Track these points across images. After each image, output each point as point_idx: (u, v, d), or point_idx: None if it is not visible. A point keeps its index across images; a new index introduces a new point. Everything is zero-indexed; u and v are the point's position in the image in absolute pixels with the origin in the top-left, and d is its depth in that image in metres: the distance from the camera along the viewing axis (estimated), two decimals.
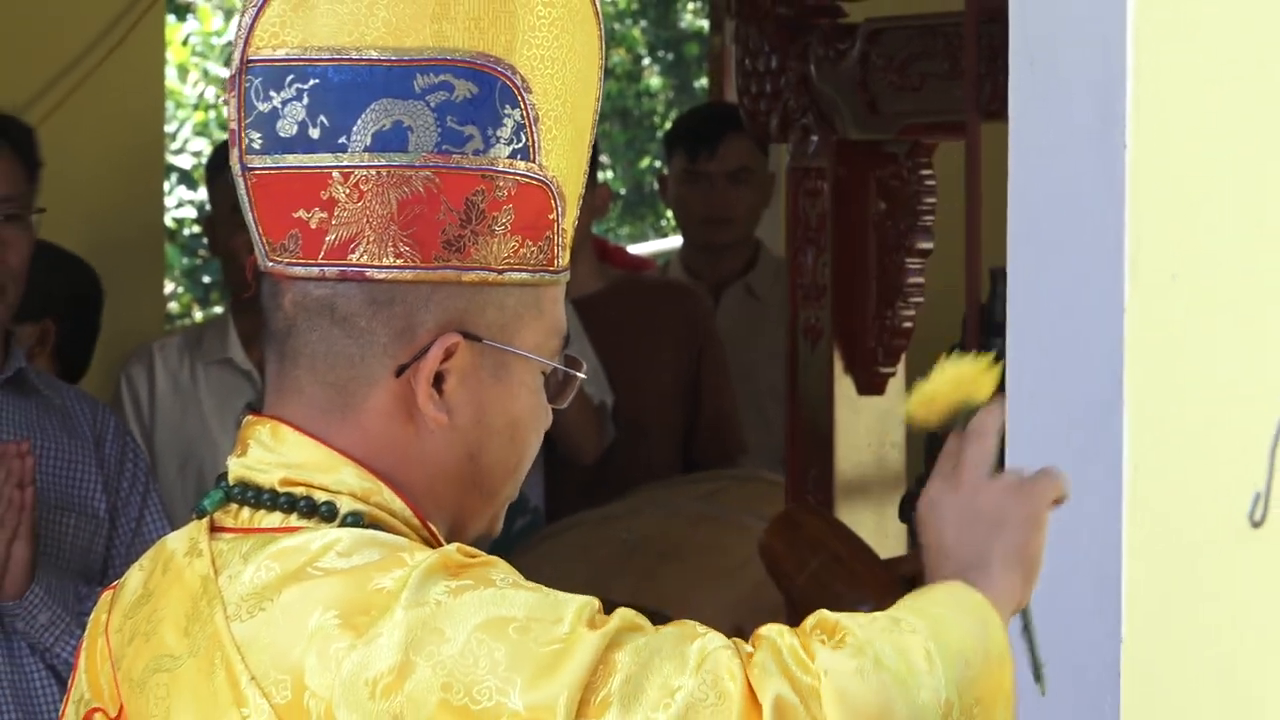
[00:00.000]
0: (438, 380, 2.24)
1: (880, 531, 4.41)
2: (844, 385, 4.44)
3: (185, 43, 15.01)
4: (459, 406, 2.26)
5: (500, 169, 2.23)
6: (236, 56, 2.24)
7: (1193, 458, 2.66)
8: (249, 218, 2.25)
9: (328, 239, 2.22)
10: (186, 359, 5.33)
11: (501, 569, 2.16)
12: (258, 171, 2.24)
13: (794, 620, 4.45)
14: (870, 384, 4.48)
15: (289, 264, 2.24)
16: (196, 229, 12.56)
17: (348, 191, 2.22)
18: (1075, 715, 2.72)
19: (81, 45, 6.22)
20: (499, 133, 2.23)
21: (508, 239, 2.24)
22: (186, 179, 13.17)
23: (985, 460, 2.35)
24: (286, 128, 2.23)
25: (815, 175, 4.63)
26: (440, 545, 2.23)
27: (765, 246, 6.90)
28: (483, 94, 2.23)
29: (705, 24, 13.53)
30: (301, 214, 2.23)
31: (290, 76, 2.23)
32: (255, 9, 2.23)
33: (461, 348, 2.24)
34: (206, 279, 13.21)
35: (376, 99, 2.21)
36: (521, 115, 2.24)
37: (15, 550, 4.03)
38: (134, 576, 2.33)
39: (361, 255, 2.22)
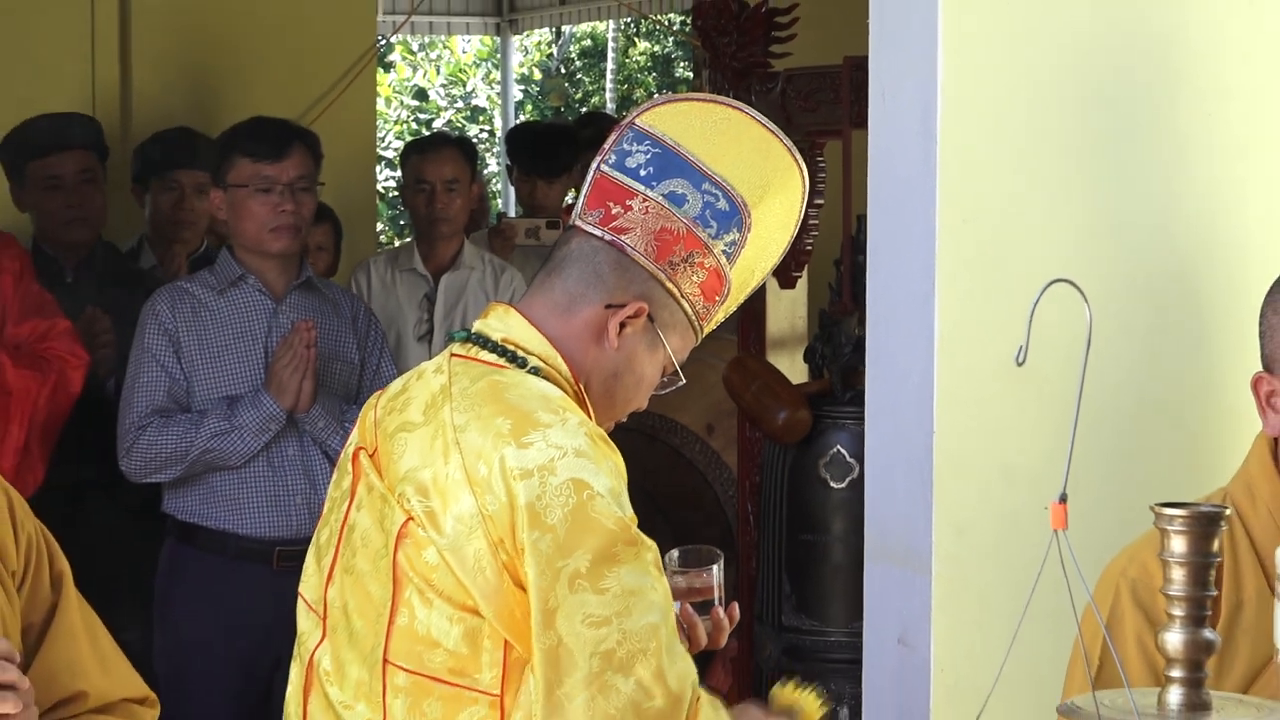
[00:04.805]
0: (621, 325, 2.25)
1: (793, 369, 4.38)
2: (771, 283, 4.40)
3: (389, 85, 14.94)
4: (624, 344, 2.27)
5: (714, 251, 2.28)
6: (631, 116, 2.32)
7: (980, 322, 2.64)
8: (583, 192, 2.31)
9: (615, 221, 2.26)
10: (389, 268, 5.29)
11: (617, 462, 2.19)
12: (603, 171, 2.29)
13: (742, 417, 4.42)
14: (787, 282, 4.44)
15: (588, 224, 2.28)
16: (395, 194, 12.53)
17: (641, 206, 2.26)
18: (906, 485, 2.70)
19: (327, 85, 6.18)
20: (725, 236, 2.29)
21: (694, 285, 2.28)
22: (390, 164, 13.11)
23: None
24: (631, 163, 2.28)
25: None
26: (586, 401, 2.26)
27: None
28: (730, 212, 2.29)
29: (691, 74, 13.48)
30: (610, 204, 2.27)
31: (648, 141, 2.29)
32: (652, 106, 2.33)
33: (643, 316, 2.26)
34: (401, 222, 13.20)
35: (681, 177, 2.28)
36: (737, 238, 2.30)
37: (305, 384, 4.04)
38: (394, 383, 2.34)
39: (627, 238, 2.25)
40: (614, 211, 2.26)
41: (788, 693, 2.34)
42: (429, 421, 2.18)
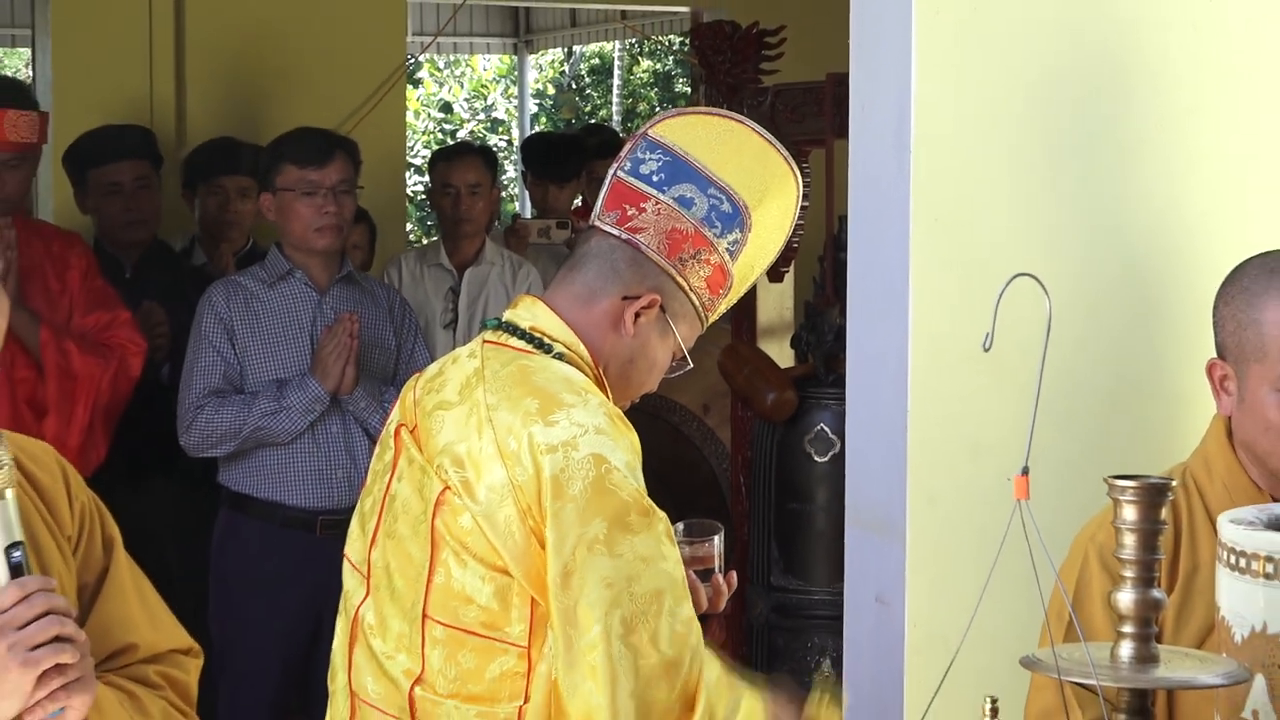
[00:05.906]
0: (636, 315, 2.25)
1: (781, 354, 4.39)
2: (761, 278, 4.37)
3: (418, 99, 14.90)
4: (639, 332, 2.27)
5: (719, 249, 2.28)
6: (645, 128, 2.31)
7: (950, 313, 2.64)
8: (602, 195, 2.29)
9: (631, 222, 2.25)
10: (418, 263, 5.27)
11: (633, 439, 2.18)
12: (619, 177, 2.29)
13: (735, 398, 4.40)
14: (775, 277, 4.45)
15: (606, 224, 2.27)
16: (423, 197, 12.50)
17: (654, 208, 2.26)
18: (883, 459, 2.70)
19: (361, 99, 6.17)
20: (728, 235, 2.28)
21: (701, 279, 2.28)
22: (418, 170, 13.08)
23: None
24: (644, 169, 2.28)
25: None
26: (605, 383, 2.25)
27: None
28: (733, 214, 2.29)
29: (689, 89, 13.43)
30: (626, 206, 2.26)
31: (659, 150, 2.29)
32: (664, 118, 2.32)
33: (656, 307, 2.26)
34: (429, 223, 13.17)
35: (688, 182, 2.27)
36: (739, 238, 2.30)
37: (347, 370, 4.05)
38: (432, 366, 2.33)
39: (642, 237, 2.25)
40: (629, 213, 2.26)
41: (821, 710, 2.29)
42: (464, 401, 2.19)
